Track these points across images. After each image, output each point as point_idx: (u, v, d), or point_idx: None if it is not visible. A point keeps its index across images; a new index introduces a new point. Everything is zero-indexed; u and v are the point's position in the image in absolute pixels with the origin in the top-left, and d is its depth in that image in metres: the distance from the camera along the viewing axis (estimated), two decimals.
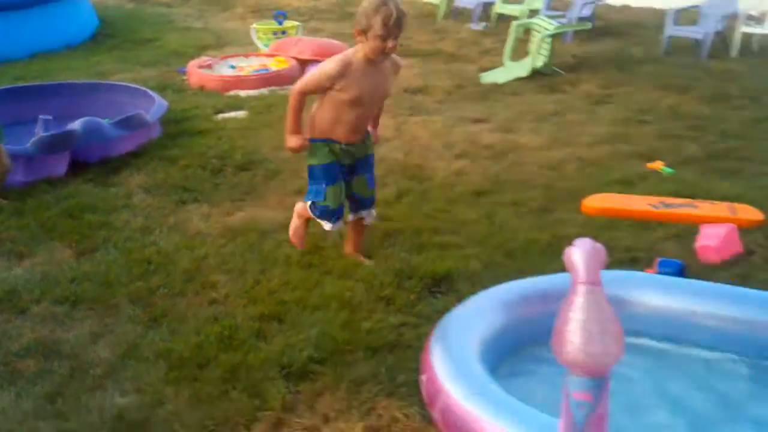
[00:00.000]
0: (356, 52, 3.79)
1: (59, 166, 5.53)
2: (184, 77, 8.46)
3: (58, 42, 10.14)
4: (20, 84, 7.61)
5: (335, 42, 9.48)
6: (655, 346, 3.37)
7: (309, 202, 4.08)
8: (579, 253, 2.02)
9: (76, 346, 3.46)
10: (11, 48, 9.15)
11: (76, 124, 5.70)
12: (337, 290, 3.90)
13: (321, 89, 3.88)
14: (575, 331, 2.01)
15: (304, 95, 3.95)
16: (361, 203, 4.19)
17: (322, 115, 3.94)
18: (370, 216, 4.25)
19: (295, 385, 3.17)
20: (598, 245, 2.03)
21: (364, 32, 3.69)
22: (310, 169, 4.06)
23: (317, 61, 8.28)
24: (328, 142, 3.96)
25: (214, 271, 4.15)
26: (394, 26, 3.64)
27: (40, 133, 5.70)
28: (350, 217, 4.24)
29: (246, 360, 3.34)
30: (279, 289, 3.94)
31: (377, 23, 3.60)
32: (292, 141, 4.00)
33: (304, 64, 8.43)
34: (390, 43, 3.69)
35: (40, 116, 6.00)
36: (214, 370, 3.28)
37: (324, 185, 3.99)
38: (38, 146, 5.43)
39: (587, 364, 2.00)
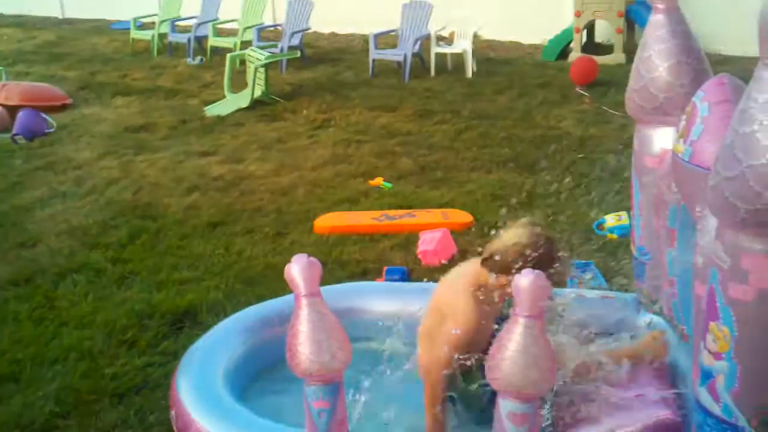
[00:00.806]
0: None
1: None
2: None
3: None
4: None
5: (44, 85, 9.08)
6: None
7: None
8: (296, 268, 2.21)
9: None
10: None
11: None
12: (76, 341, 3.80)
13: None
14: (304, 343, 2.19)
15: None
16: None
17: None
18: None
19: None
20: (313, 259, 2.23)
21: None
22: None
23: (27, 107, 7.88)
24: None
25: None
26: None
27: None
28: None
29: None
30: (11, 348, 3.76)
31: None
32: None
33: (12, 110, 7.94)
34: None
35: None
36: None
37: None
38: None
39: (319, 372, 2.19)
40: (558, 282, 2.72)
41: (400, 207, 5.48)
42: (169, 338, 3.84)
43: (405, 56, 9.54)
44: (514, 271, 2.43)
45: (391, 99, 8.60)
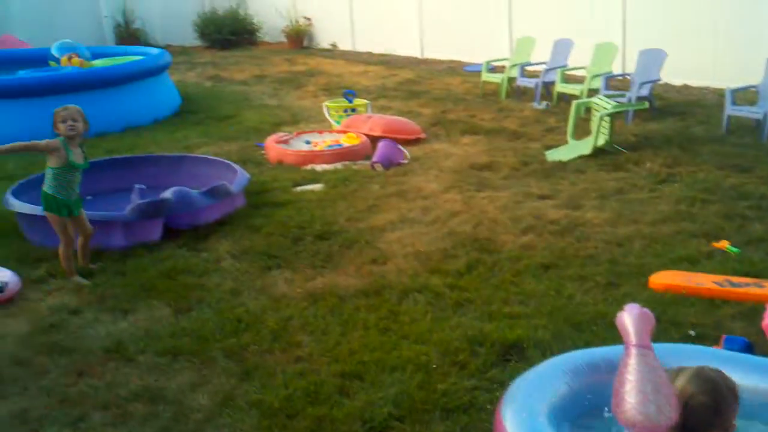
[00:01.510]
0: None
1: (154, 231, 6.00)
2: (263, 152, 8.99)
3: (147, 117, 10.92)
4: (114, 156, 8.22)
5: (403, 119, 9.97)
6: None
7: None
8: (629, 317, 2.26)
9: (178, 394, 3.82)
10: (106, 122, 9.82)
11: (167, 193, 6.17)
12: (414, 354, 4.17)
13: None
14: (630, 392, 2.22)
15: None
16: None
17: None
18: None
19: None
20: (647, 311, 2.26)
21: None
22: None
23: (387, 138, 8.75)
24: None
25: (298, 332, 4.48)
26: None
27: (136, 201, 6.19)
28: None
29: (331, 413, 3.62)
30: (359, 350, 4.24)
31: None
32: None
33: (374, 140, 8.87)
34: None
35: (136, 185, 6.51)
36: (302, 421, 3.57)
37: None
38: (136, 213, 5.91)
39: (642, 423, 2.20)
40: None
41: (747, 274, 5.15)
42: (497, 367, 4.06)
43: (765, 114, 8.92)
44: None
45: (744, 158, 8.09)
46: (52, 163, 5.27)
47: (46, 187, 5.31)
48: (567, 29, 12.99)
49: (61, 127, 5.22)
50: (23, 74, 11.06)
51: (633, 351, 2.25)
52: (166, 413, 3.65)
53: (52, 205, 5.31)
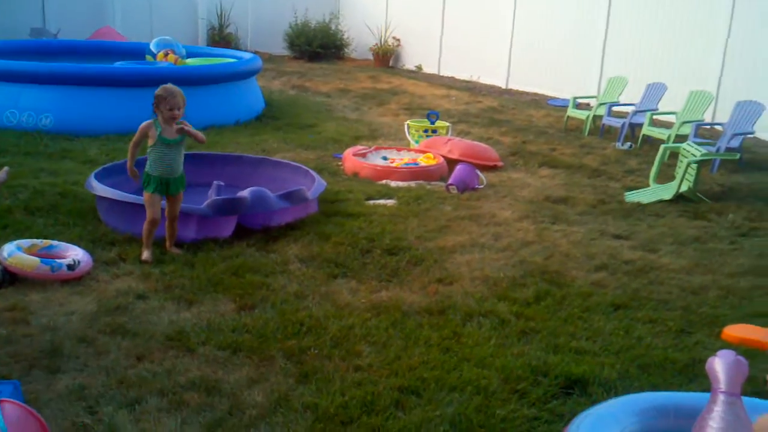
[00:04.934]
0: None
1: (227, 228, 6.07)
2: (340, 163, 9.05)
3: (230, 118, 11.13)
4: (194, 152, 8.37)
5: (483, 145, 9.91)
6: None
7: None
8: (721, 363, 2.14)
9: (234, 388, 3.82)
10: (190, 119, 9.99)
11: (245, 192, 6.24)
12: (474, 376, 4.08)
13: None
14: None
15: None
16: None
17: None
18: None
19: None
20: (741, 358, 2.14)
21: None
22: None
23: (464, 162, 8.70)
24: None
25: (359, 341, 4.44)
26: None
27: (213, 196, 6.29)
28: None
29: (386, 425, 3.57)
30: (419, 367, 4.17)
31: None
32: None
33: (451, 163, 8.83)
34: None
35: (215, 182, 6.61)
36: (357, 429, 3.53)
37: None
38: (212, 208, 5.99)
39: None
40: None
41: None
42: (558, 399, 3.94)
43: None
44: None
45: None
46: (149, 142, 5.60)
47: (147, 165, 5.65)
48: (658, 73, 12.80)
49: (165, 111, 5.43)
50: (120, 65, 11.43)
51: (721, 398, 2.14)
52: (221, 406, 3.66)
53: (148, 181, 5.61)
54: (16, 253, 5.09)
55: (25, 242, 5.34)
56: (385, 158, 9.15)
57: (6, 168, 4.43)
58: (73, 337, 4.34)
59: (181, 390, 3.78)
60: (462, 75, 18.30)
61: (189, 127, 5.59)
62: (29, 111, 10.01)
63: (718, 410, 2.20)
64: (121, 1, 18.91)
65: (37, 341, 4.26)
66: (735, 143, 9.95)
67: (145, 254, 5.56)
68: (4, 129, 9.82)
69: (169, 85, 5.59)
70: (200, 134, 5.72)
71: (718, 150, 9.65)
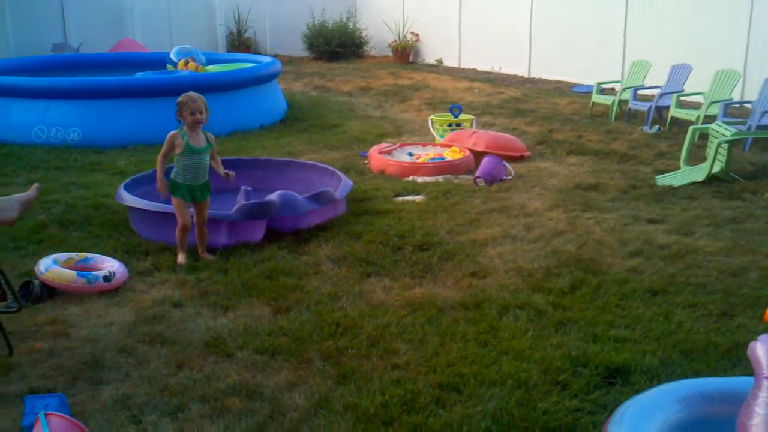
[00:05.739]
0: None
1: (257, 232, 6.08)
2: (366, 161, 9.04)
3: (254, 122, 11.18)
4: (222, 158, 8.41)
5: (509, 136, 9.83)
6: None
7: None
8: (763, 348, 2.08)
9: (275, 392, 3.82)
10: (215, 125, 10.06)
11: (273, 196, 6.25)
12: (514, 370, 4.05)
13: None
14: (759, 425, 2.06)
15: None
16: None
17: None
18: None
19: None
20: None
21: None
22: None
23: (491, 154, 8.64)
24: None
25: (396, 339, 4.43)
26: None
27: (242, 201, 6.30)
28: None
29: (427, 423, 3.55)
30: (457, 362, 4.14)
31: None
32: None
33: (477, 155, 8.78)
34: None
35: (243, 186, 6.63)
36: (398, 428, 3.51)
37: None
38: (241, 213, 6.01)
39: None
40: None
41: None
42: (601, 389, 3.89)
43: None
44: None
45: None
46: (176, 151, 5.66)
47: (173, 173, 5.72)
48: (682, 54, 12.63)
49: (188, 117, 5.49)
50: (141, 76, 11.51)
51: (765, 384, 2.08)
52: (263, 410, 3.66)
53: (175, 188, 5.69)
54: (53, 267, 5.15)
55: (62, 256, 5.40)
56: (410, 154, 9.12)
57: (36, 184, 4.47)
58: (114, 348, 4.37)
59: (222, 396, 3.80)
60: (483, 66, 18.21)
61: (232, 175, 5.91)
62: (57, 126, 10.13)
63: (764, 396, 2.14)
64: (140, 13, 19.04)
65: (78, 353, 4.30)
66: (766, 121, 9.77)
67: (180, 258, 5.65)
68: (34, 145, 9.95)
69: (190, 92, 5.65)
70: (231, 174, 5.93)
71: (749, 128, 9.49)
